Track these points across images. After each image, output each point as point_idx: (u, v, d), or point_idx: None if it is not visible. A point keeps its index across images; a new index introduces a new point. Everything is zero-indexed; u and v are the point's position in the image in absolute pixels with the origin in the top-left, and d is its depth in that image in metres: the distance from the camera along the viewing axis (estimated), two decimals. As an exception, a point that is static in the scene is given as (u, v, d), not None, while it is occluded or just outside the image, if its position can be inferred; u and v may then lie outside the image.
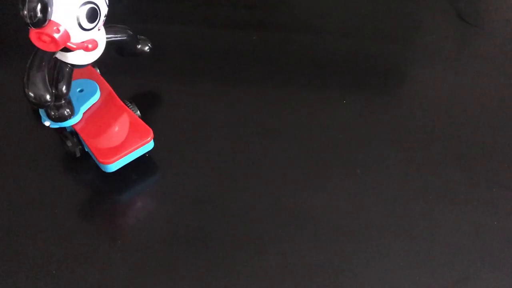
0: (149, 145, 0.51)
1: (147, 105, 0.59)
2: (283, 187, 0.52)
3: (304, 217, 0.49)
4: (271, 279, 0.46)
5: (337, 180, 0.52)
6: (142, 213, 0.50)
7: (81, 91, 0.52)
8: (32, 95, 0.45)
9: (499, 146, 0.55)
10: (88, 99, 0.52)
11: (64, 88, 0.48)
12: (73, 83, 0.49)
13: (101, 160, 0.49)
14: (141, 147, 0.50)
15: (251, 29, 0.67)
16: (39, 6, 0.40)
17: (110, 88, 0.54)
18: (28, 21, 0.41)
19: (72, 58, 0.47)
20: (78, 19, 0.43)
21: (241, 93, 0.60)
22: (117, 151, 0.49)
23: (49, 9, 0.41)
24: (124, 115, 0.52)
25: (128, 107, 0.52)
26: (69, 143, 0.51)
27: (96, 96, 0.52)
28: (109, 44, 0.50)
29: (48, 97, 0.45)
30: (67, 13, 0.43)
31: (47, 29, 0.42)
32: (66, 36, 0.43)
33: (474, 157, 0.53)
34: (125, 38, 0.53)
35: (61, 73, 0.48)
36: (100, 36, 0.48)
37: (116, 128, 0.51)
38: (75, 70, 0.49)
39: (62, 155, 0.53)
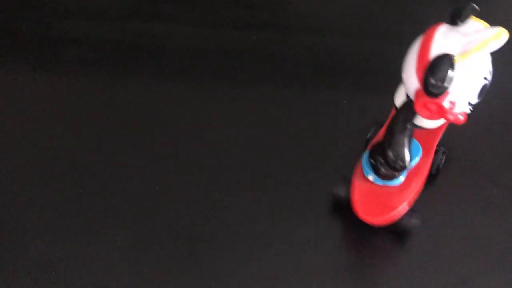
0: None
1: (147, 105, 0.59)
2: (285, 187, 0.52)
3: (304, 216, 0.49)
4: (271, 279, 0.46)
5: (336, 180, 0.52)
6: (141, 213, 0.50)
7: None
8: (392, 155, 0.44)
9: (499, 146, 0.54)
10: (415, 157, 0.48)
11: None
12: None
13: None
14: None
15: (251, 29, 0.67)
16: (448, 77, 0.39)
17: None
18: (430, 89, 0.40)
19: (425, 121, 0.45)
20: (471, 94, 0.42)
21: (241, 93, 0.60)
22: None
23: (452, 81, 0.40)
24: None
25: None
26: None
27: (419, 157, 0.48)
28: None
29: (407, 161, 0.44)
30: (464, 87, 0.41)
31: (441, 100, 0.40)
32: (453, 108, 0.41)
33: (474, 157, 0.53)
34: None
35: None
36: None
37: None
38: None
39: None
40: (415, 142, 0.48)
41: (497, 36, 0.41)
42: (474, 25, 0.43)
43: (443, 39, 0.42)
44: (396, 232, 0.47)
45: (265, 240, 0.48)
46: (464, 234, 0.48)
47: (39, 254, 0.47)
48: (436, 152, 0.50)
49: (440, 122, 0.46)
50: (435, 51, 0.41)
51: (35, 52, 0.65)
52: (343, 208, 0.48)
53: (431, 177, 0.52)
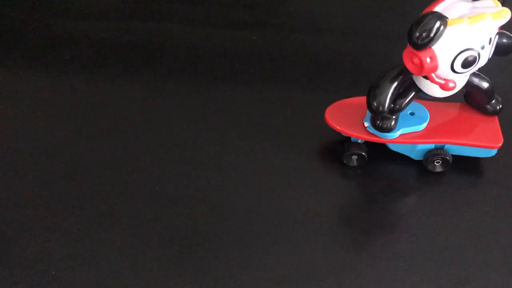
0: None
1: (147, 105, 0.59)
2: (286, 188, 0.52)
3: (306, 217, 0.49)
4: (272, 279, 0.46)
5: (336, 181, 0.52)
6: (141, 213, 0.50)
7: (411, 114, 0.51)
8: (373, 100, 0.46)
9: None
10: (413, 125, 0.51)
11: (402, 105, 0.48)
12: (411, 104, 0.50)
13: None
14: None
15: (251, 29, 0.67)
16: (433, 32, 0.41)
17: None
18: (414, 39, 0.41)
19: (425, 85, 0.47)
20: (453, 60, 0.43)
21: (241, 93, 0.60)
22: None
23: (437, 38, 0.41)
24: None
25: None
26: (354, 158, 0.53)
27: (421, 127, 0.51)
28: (463, 87, 0.48)
29: (385, 108, 0.46)
30: (447, 50, 0.42)
31: (422, 54, 0.42)
32: (434, 68, 0.43)
33: (474, 157, 0.53)
34: (482, 88, 0.50)
35: (406, 91, 0.48)
36: (462, 80, 0.47)
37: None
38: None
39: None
40: (424, 109, 0.51)
41: (496, 15, 0.42)
42: (488, 2, 0.43)
43: (452, 4, 0.43)
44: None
45: (265, 240, 0.48)
46: (465, 234, 0.48)
47: (39, 254, 0.47)
48: (437, 149, 0.51)
49: (444, 94, 0.47)
50: (437, 10, 0.42)
51: (35, 52, 0.65)
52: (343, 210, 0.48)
53: (432, 177, 0.52)
